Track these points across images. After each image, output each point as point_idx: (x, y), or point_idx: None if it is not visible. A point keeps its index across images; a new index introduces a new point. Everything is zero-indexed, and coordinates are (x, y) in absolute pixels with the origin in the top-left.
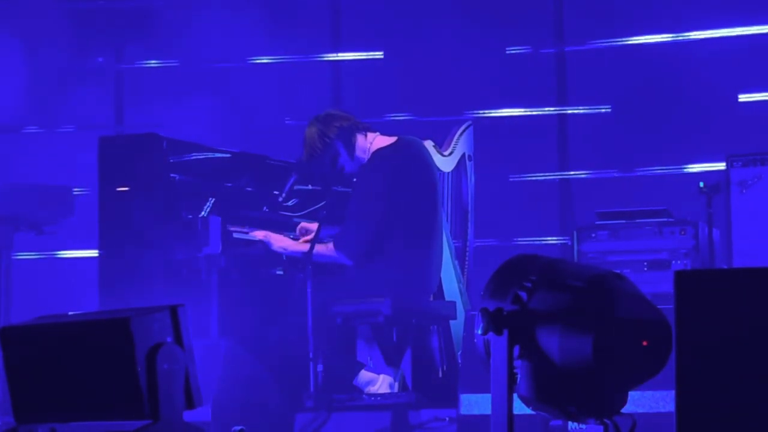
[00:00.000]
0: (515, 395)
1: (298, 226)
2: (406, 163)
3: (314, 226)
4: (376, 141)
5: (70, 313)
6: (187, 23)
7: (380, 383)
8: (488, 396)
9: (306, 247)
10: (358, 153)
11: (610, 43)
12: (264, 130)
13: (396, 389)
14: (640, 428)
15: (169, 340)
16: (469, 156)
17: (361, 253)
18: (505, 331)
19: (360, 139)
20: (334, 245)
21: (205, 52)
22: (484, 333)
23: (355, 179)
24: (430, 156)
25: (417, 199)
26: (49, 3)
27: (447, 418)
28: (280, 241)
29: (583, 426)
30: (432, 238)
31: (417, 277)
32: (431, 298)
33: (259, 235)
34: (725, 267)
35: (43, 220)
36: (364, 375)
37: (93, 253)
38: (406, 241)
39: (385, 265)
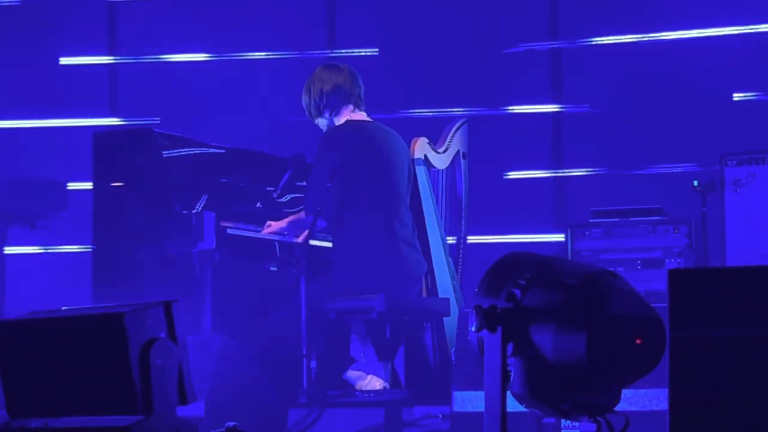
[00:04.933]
0: (508, 392)
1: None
2: (372, 138)
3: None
4: (353, 116)
5: (63, 307)
6: (181, 18)
7: (368, 381)
8: (482, 393)
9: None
10: (336, 119)
11: (604, 42)
12: (259, 127)
13: (386, 385)
14: (633, 427)
15: (162, 335)
16: (464, 153)
17: (330, 213)
18: (499, 329)
19: (348, 110)
20: (305, 211)
21: (200, 47)
22: (478, 330)
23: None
24: (404, 147)
25: (373, 178)
26: None
27: (440, 415)
28: (283, 223)
29: (576, 424)
30: (392, 222)
31: (386, 262)
32: (424, 291)
33: (281, 224)
34: (719, 266)
35: (36, 214)
36: (354, 372)
37: (86, 248)
38: (371, 221)
39: (353, 251)
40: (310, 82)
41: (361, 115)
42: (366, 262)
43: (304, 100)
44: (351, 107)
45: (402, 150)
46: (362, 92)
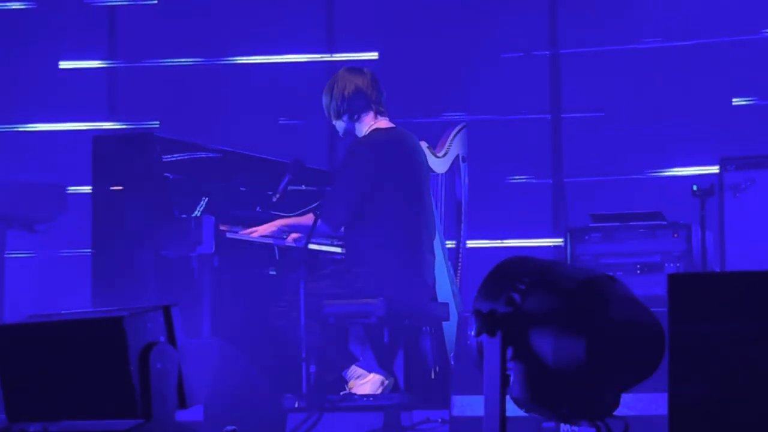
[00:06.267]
0: (508, 397)
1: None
2: (401, 147)
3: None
4: (377, 123)
5: (62, 311)
6: (181, 21)
7: (369, 379)
8: (481, 397)
9: (309, 220)
10: (357, 124)
11: (603, 48)
12: (258, 131)
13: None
14: (633, 431)
15: (162, 339)
16: (463, 157)
17: (339, 222)
18: (499, 333)
19: (369, 116)
20: (317, 214)
21: (199, 51)
22: (478, 335)
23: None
24: (423, 152)
25: (403, 187)
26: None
27: (439, 420)
28: (285, 221)
29: (576, 428)
30: (420, 232)
31: (413, 275)
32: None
33: (270, 227)
34: (718, 270)
35: (36, 218)
36: (356, 370)
37: (86, 251)
38: (396, 232)
39: (379, 260)
40: (332, 83)
41: (385, 122)
42: (393, 270)
43: (325, 100)
44: (372, 113)
45: (423, 154)
46: (383, 99)
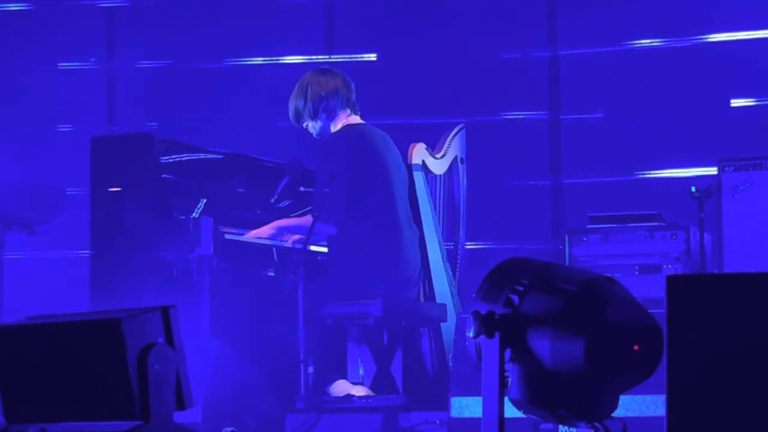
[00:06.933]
0: (506, 398)
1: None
2: (374, 141)
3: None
4: (350, 120)
5: (61, 313)
6: (179, 23)
7: (358, 390)
8: (479, 399)
9: (308, 221)
10: (332, 124)
11: (603, 48)
12: (256, 132)
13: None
14: None
15: (160, 340)
16: (462, 159)
17: (340, 219)
18: (497, 334)
19: (343, 115)
20: (315, 215)
21: (198, 53)
22: (476, 336)
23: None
24: (395, 147)
25: (381, 179)
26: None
27: (437, 421)
28: (284, 222)
29: (574, 429)
30: (401, 224)
31: (392, 265)
32: (421, 296)
33: (268, 228)
34: (716, 272)
35: (35, 219)
36: (339, 385)
37: (84, 252)
38: (374, 223)
39: (358, 253)
40: (305, 85)
41: (357, 119)
42: (372, 266)
43: (297, 103)
44: (348, 111)
45: (396, 151)
46: (355, 98)
